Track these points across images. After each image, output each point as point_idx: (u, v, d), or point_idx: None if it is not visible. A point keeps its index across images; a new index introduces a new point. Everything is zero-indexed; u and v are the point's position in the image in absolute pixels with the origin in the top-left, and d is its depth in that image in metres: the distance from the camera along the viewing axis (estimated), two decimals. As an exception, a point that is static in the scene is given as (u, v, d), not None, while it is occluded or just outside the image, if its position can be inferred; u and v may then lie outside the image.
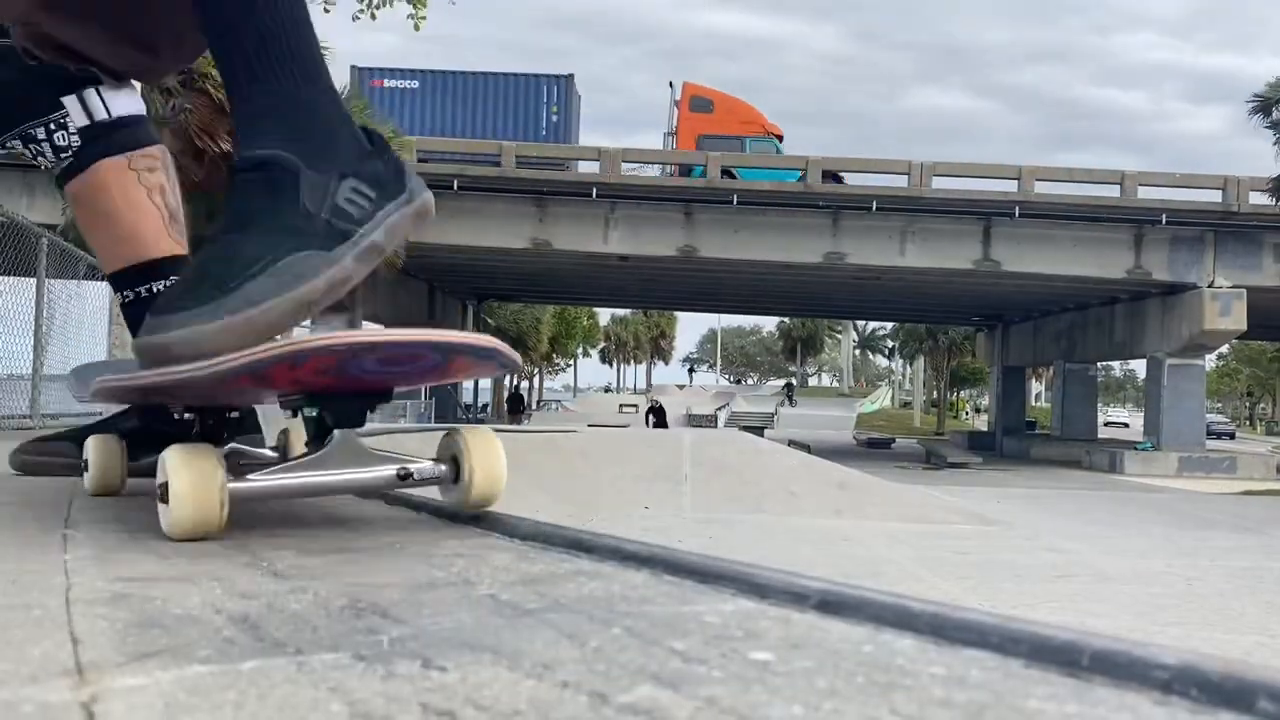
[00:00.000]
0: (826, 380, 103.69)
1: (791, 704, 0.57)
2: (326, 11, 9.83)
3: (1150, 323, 28.41)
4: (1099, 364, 39.55)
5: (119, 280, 1.88)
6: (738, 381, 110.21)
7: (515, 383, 53.44)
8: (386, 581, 0.95)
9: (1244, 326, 26.86)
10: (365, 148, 1.31)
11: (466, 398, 42.58)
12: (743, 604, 0.82)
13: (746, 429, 24.02)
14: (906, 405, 69.04)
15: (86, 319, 9.18)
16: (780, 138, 31.90)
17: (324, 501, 1.57)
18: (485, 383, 49.76)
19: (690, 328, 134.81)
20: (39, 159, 1.78)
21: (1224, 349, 59.10)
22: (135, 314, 1.76)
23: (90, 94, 1.74)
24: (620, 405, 52.79)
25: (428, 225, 1.36)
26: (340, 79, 28.35)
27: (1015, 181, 26.87)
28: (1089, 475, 26.13)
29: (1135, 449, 28.57)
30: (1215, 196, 26.75)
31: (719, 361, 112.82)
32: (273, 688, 0.61)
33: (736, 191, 26.69)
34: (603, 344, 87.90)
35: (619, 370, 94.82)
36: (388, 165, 1.32)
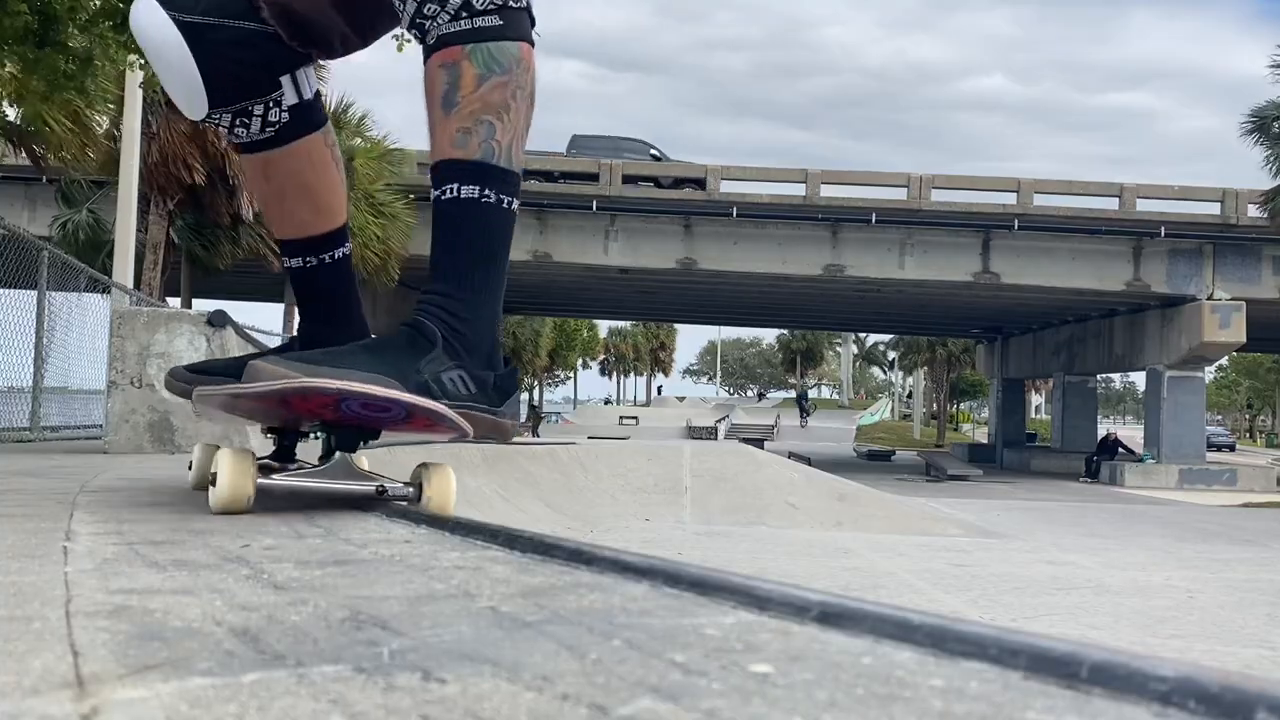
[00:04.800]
0: (826, 392, 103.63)
1: (791, 716, 0.57)
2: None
3: (1149, 335, 28.44)
4: (1099, 376, 39.54)
5: (298, 246, 2.00)
6: (732, 393, 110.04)
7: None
8: (387, 594, 0.95)
9: (1243, 339, 26.88)
10: (494, 363, 1.66)
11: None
12: (743, 616, 0.83)
13: (747, 440, 24.01)
14: (906, 417, 68.97)
15: (87, 331, 9.18)
16: None
17: (324, 515, 1.57)
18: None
19: (690, 339, 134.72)
20: (235, 130, 1.89)
21: (1223, 361, 59.10)
22: (308, 278, 2.01)
23: (300, 74, 1.89)
24: (620, 417, 52.74)
25: (501, 438, 1.71)
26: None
27: (1014, 194, 26.92)
28: (1089, 488, 26.11)
29: (1136, 461, 28.57)
30: (1214, 209, 26.81)
31: (719, 373, 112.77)
32: (273, 700, 0.61)
33: (736, 204, 26.74)
34: (602, 356, 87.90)
35: (619, 382, 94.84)
36: (499, 382, 1.66)
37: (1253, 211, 26.04)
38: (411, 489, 1.69)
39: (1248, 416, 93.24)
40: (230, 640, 0.76)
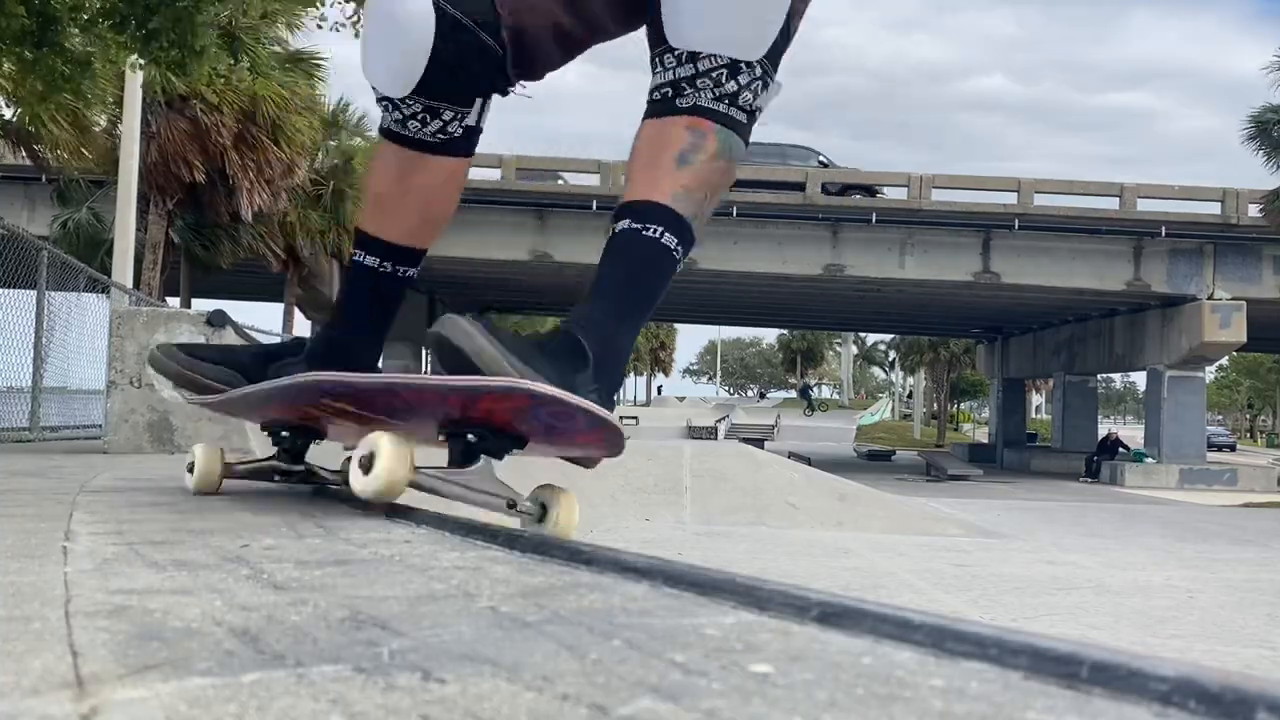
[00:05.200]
0: (827, 392, 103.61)
1: (791, 715, 0.57)
2: (337, 29, 10.46)
3: (1150, 335, 28.43)
4: (1099, 376, 39.52)
5: (387, 249, 1.99)
6: (733, 393, 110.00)
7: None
8: (386, 594, 0.95)
9: (1244, 338, 26.87)
10: (611, 398, 1.71)
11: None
12: (743, 616, 0.83)
13: (747, 440, 24.00)
14: (906, 417, 68.93)
15: (87, 331, 9.17)
16: None
17: (324, 515, 1.57)
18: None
19: (690, 339, 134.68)
20: (410, 122, 1.90)
21: (1224, 361, 59.07)
22: (373, 279, 1.99)
23: (488, 101, 1.96)
24: (620, 417, 52.70)
25: (590, 465, 1.79)
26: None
27: (1014, 194, 26.92)
28: (1089, 487, 26.11)
29: (1135, 461, 28.56)
30: (1214, 209, 26.80)
31: (719, 373, 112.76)
32: (273, 700, 0.61)
33: (736, 203, 26.72)
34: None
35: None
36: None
37: (1253, 211, 26.03)
38: (536, 508, 1.69)
39: (1248, 416, 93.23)
40: (230, 640, 0.76)
